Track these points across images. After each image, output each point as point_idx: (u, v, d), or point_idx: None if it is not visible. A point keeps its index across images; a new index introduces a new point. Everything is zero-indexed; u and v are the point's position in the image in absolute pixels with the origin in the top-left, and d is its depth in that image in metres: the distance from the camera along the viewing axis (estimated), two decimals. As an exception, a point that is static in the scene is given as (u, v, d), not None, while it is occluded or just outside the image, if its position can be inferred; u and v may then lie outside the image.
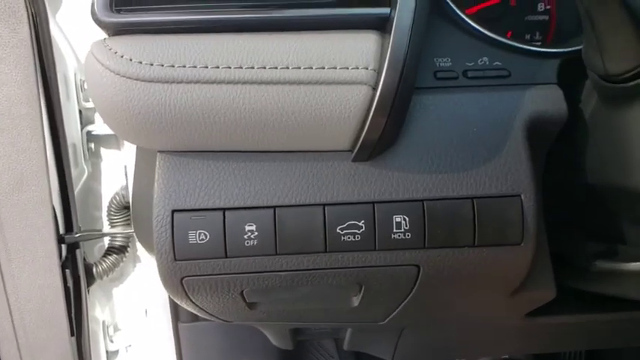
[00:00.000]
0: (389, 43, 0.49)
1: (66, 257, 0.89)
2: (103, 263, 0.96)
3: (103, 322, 1.00)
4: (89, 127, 0.96)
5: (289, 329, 0.78)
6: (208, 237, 0.51)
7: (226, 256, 0.52)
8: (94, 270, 0.95)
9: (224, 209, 0.52)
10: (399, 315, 0.61)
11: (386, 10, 0.51)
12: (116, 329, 1.03)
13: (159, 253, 0.52)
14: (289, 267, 0.53)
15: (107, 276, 0.96)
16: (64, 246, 0.88)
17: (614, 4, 0.42)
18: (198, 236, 0.51)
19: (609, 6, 0.43)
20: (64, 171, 0.87)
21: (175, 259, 0.52)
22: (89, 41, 0.53)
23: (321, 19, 0.52)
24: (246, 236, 0.51)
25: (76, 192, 0.90)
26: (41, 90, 0.80)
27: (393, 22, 0.50)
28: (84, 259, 0.93)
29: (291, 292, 0.57)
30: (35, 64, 0.78)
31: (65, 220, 0.89)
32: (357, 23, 0.52)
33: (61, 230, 0.87)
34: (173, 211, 0.51)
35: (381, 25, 0.52)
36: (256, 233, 0.51)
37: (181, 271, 0.53)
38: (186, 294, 0.55)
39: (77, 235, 0.89)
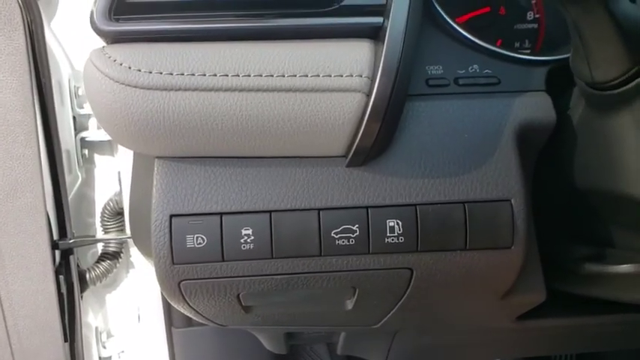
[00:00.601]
0: (382, 52, 0.51)
1: (59, 263, 0.90)
2: (97, 269, 0.97)
3: (96, 328, 1.01)
4: (83, 134, 0.96)
5: (283, 333, 0.79)
6: (206, 241, 0.53)
7: (223, 260, 0.53)
8: (88, 276, 0.96)
9: (221, 214, 0.53)
10: (392, 318, 0.62)
11: (379, 20, 0.52)
12: (109, 335, 1.04)
13: (157, 257, 0.53)
14: (285, 270, 0.54)
15: (100, 282, 0.97)
16: (57, 252, 0.89)
17: (600, 15, 0.44)
18: (195, 240, 0.53)
19: (596, 16, 0.44)
20: (58, 177, 0.88)
21: (173, 263, 0.53)
22: (83, 48, 0.54)
23: (316, 28, 0.53)
24: (242, 240, 0.53)
25: (69, 198, 0.91)
26: (36, 97, 0.81)
27: (386, 31, 0.51)
28: (77, 265, 0.94)
29: (287, 296, 0.58)
30: (30, 71, 0.79)
31: (59, 226, 0.89)
32: (351, 32, 0.54)
33: (55, 236, 0.88)
34: (171, 216, 0.53)
35: (375, 34, 0.53)
36: (253, 237, 0.53)
37: (179, 275, 0.54)
38: (184, 297, 0.56)
39: (71, 241, 0.90)
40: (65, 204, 0.89)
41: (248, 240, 0.53)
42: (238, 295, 0.56)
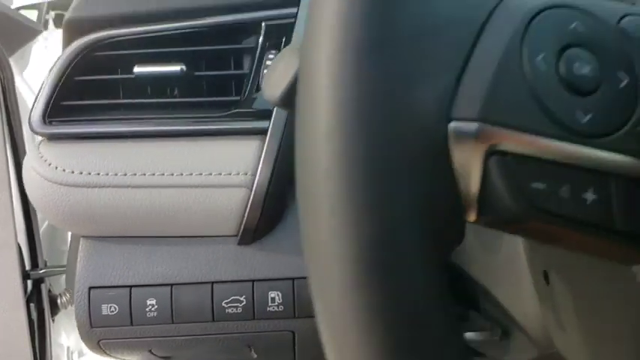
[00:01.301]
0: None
1: (31, 292, 1.03)
2: (68, 294, 1.12)
3: (68, 347, 1.16)
4: (55, 171, 1.11)
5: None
6: (117, 309, 0.66)
7: (132, 325, 0.67)
8: (59, 300, 1.09)
9: (130, 287, 0.66)
10: None
11: (265, 124, 0.65)
12: (80, 354, 1.19)
13: (78, 321, 0.67)
14: (185, 333, 0.68)
15: (72, 305, 1.11)
16: (29, 281, 1.04)
17: None
18: (109, 308, 0.66)
19: None
20: (30, 213, 1.02)
21: (91, 327, 0.67)
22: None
23: (215, 130, 0.66)
24: (147, 309, 0.66)
25: (43, 228, 1.05)
26: (8, 144, 0.96)
27: (267, 132, 0.65)
28: (49, 290, 1.08)
29: (192, 351, 0.72)
30: (2, 121, 0.93)
31: (31, 256, 1.04)
32: (244, 132, 0.66)
33: (27, 266, 1.02)
34: (90, 288, 0.67)
35: (264, 134, 0.66)
36: (156, 306, 0.66)
37: (97, 335, 0.68)
38: (106, 352, 0.71)
39: (42, 270, 1.04)
40: (37, 236, 1.03)
41: (152, 308, 0.67)
42: (150, 350, 0.72)
